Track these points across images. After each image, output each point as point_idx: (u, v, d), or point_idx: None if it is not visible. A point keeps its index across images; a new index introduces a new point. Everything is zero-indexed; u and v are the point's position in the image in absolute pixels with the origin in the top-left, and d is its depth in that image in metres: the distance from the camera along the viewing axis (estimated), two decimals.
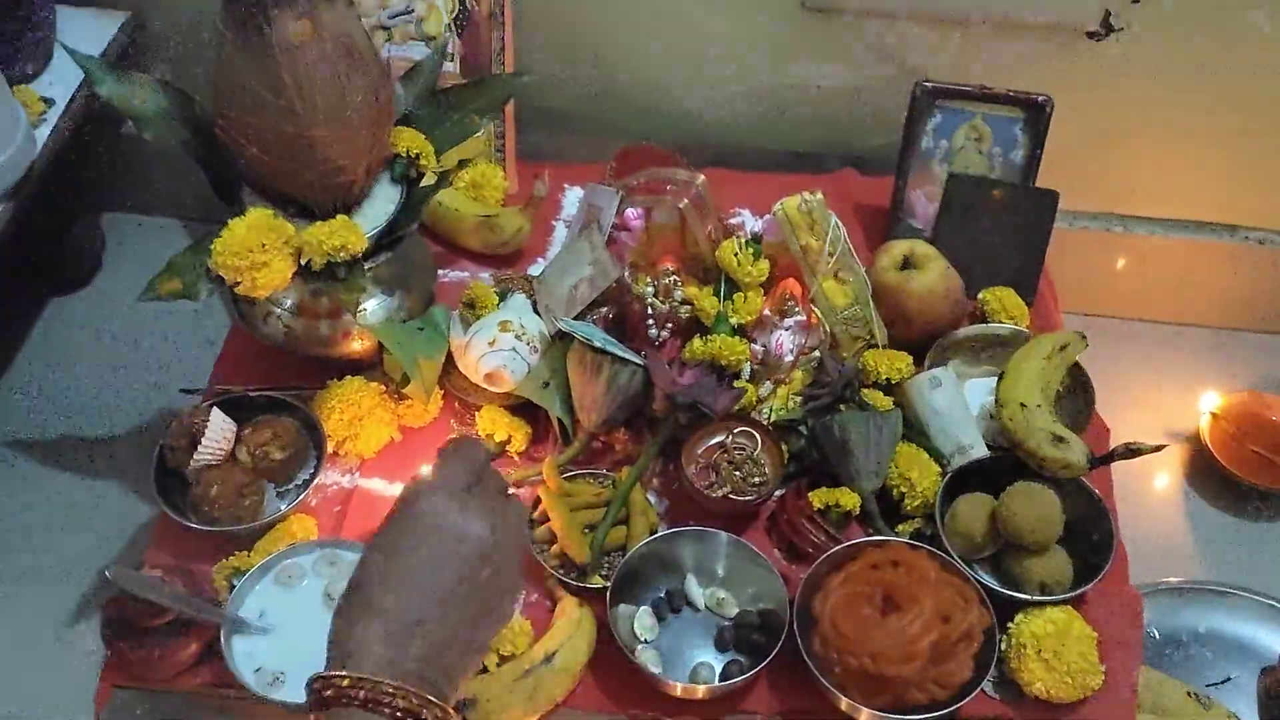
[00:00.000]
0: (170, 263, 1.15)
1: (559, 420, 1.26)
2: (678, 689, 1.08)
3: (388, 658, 0.70)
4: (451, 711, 0.71)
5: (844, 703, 1.06)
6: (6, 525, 1.50)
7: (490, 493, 0.80)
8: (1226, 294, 1.73)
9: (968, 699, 1.05)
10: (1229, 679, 1.38)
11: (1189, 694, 1.31)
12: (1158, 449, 1.16)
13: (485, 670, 1.08)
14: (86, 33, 1.55)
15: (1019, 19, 1.47)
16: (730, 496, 1.20)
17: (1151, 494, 1.60)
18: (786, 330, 1.28)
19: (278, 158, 1.15)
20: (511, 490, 0.85)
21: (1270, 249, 1.67)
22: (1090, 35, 1.48)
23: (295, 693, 1.05)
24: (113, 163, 1.77)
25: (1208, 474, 1.60)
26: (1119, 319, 1.76)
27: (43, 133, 1.47)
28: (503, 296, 1.35)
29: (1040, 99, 1.41)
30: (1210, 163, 1.61)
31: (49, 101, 1.50)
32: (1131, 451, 1.16)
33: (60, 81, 1.53)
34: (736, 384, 1.25)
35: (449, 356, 1.29)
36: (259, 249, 1.13)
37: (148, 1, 1.61)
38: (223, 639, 1.07)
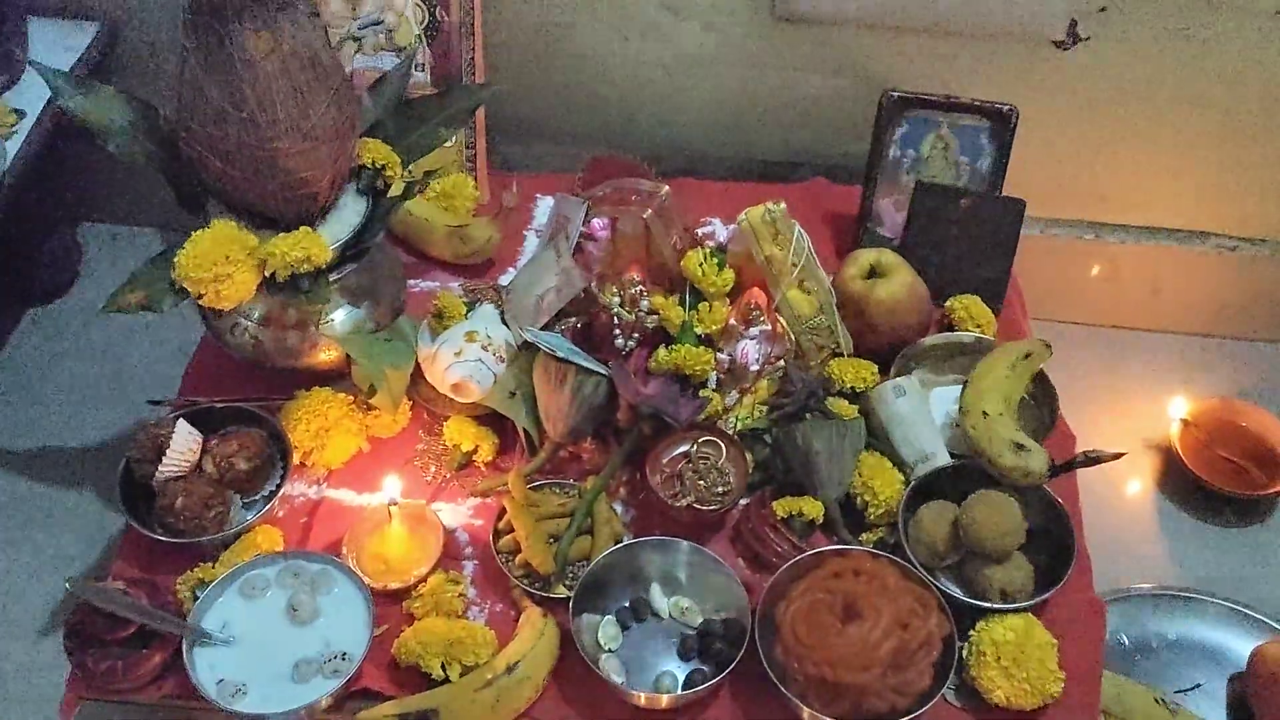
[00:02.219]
0: (134, 274, 1.17)
1: (525, 430, 1.27)
2: (641, 698, 1.09)
3: None
4: None
5: (806, 712, 1.07)
6: None
7: None
8: (1198, 301, 1.75)
9: (927, 706, 1.06)
10: (1198, 685, 1.40)
11: (1156, 700, 1.34)
12: (1117, 457, 1.16)
13: (447, 680, 1.09)
14: (58, 44, 1.57)
15: (987, 29, 1.49)
16: (695, 506, 1.21)
17: (1122, 500, 1.61)
18: (752, 340, 1.29)
19: (241, 170, 1.16)
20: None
21: (1241, 255, 1.69)
22: (1057, 44, 1.50)
23: (257, 704, 1.06)
24: (89, 173, 1.79)
25: (1178, 480, 1.62)
26: (1091, 326, 1.78)
27: (13, 145, 1.48)
28: (471, 306, 1.36)
29: (1005, 108, 1.42)
30: (1180, 170, 1.63)
31: (20, 113, 1.51)
32: (1091, 459, 1.17)
33: (32, 93, 1.54)
34: (702, 393, 1.26)
35: (417, 367, 1.30)
36: (223, 261, 1.14)
37: (119, 13, 1.62)
38: (185, 651, 1.07)
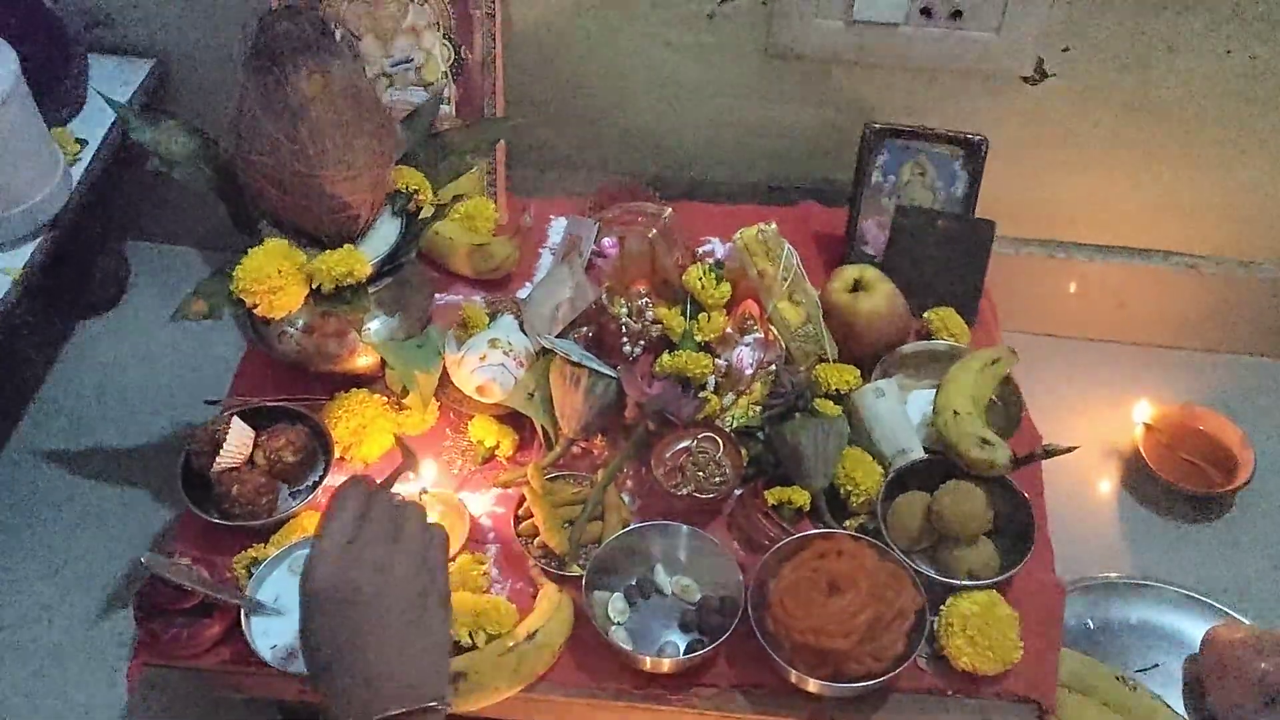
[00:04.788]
0: (197, 287, 1.29)
1: (542, 427, 1.37)
2: (647, 663, 1.20)
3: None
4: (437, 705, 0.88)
5: (793, 675, 1.18)
6: (42, 527, 1.63)
7: (379, 523, 0.93)
8: (1160, 315, 1.84)
9: (900, 669, 1.18)
10: (1156, 665, 1.49)
11: (1117, 677, 1.42)
12: (1070, 450, 1.28)
13: (474, 647, 1.21)
14: (116, 79, 1.69)
15: (961, 66, 1.59)
16: (695, 495, 1.31)
17: (1090, 498, 1.70)
18: (746, 346, 1.40)
19: (292, 195, 1.28)
20: (403, 498, 0.98)
21: (1199, 273, 1.78)
22: (1025, 80, 1.61)
23: None
24: (137, 197, 1.91)
25: (1141, 479, 1.70)
26: (1062, 338, 1.87)
27: (77, 171, 1.60)
28: (493, 317, 1.46)
29: (976, 138, 1.54)
30: (1142, 194, 1.72)
31: (83, 142, 1.63)
32: (1048, 453, 1.28)
33: (92, 123, 1.65)
34: (701, 394, 1.36)
35: (444, 371, 1.40)
36: (276, 275, 1.25)
37: (170, 51, 1.74)
38: (243, 619, 1.20)
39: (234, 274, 1.27)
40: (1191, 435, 1.72)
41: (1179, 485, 1.66)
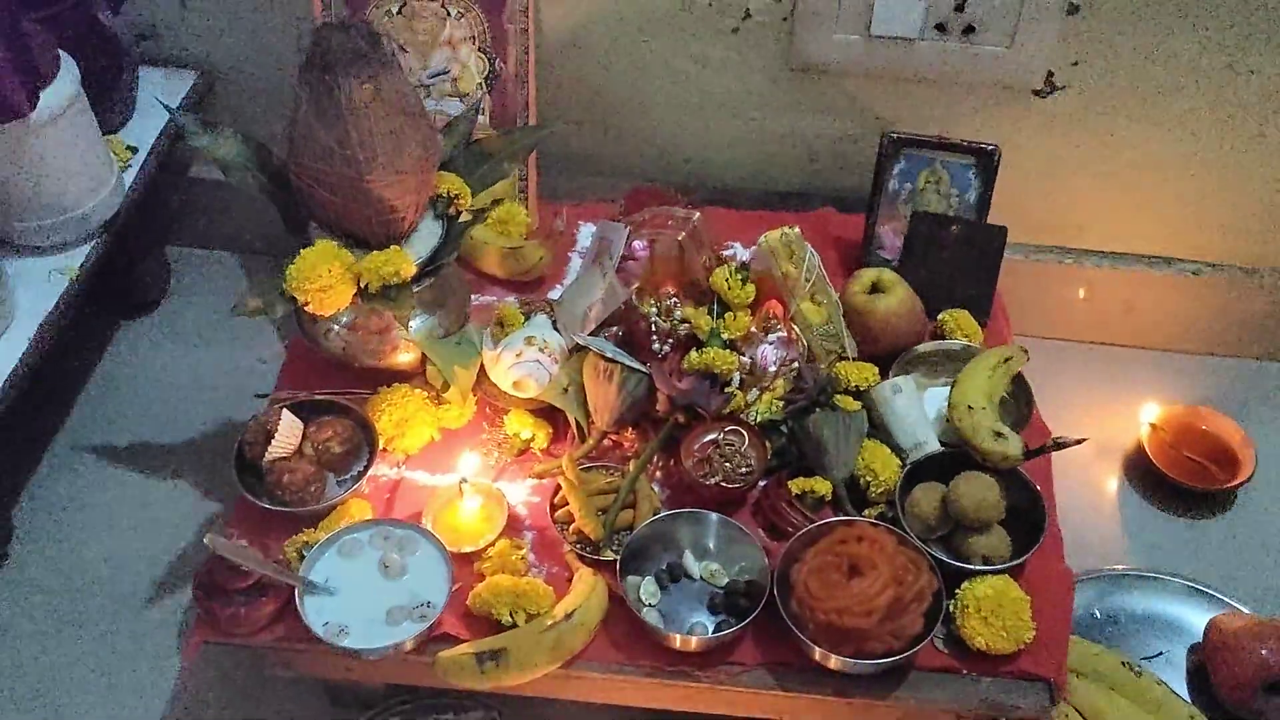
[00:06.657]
0: (252, 286, 1.36)
1: (576, 420, 1.43)
2: (676, 640, 1.26)
3: None
4: None
5: (816, 653, 1.25)
6: (90, 516, 1.69)
7: None
8: (1166, 319, 1.89)
9: (918, 648, 1.24)
10: (1161, 653, 1.55)
11: (1123, 663, 1.48)
12: (1079, 442, 1.34)
13: (515, 626, 1.27)
14: (164, 89, 1.76)
15: (975, 79, 1.66)
16: (722, 485, 1.37)
17: (1098, 494, 1.76)
18: (770, 344, 1.46)
19: (342, 199, 1.34)
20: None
21: (1203, 279, 1.84)
22: (1036, 93, 1.68)
23: (358, 641, 1.24)
24: (179, 202, 1.98)
25: (1147, 477, 1.76)
26: (1072, 341, 1.93)
27: (128, 177, 1.67)
28: (527, 316, 1.53)
29: (989, 147, 1.60)
30: (1148, 203, 1.78)
31: (133, 149, 1.70)
32: (1058, 445, 1.35)
33: (143, 131, 1.73)
34: (727, 390, 1.42)
35: (482, 367, 1.46)
36: (326, 274, 1.32)
37: (215, 62, 1.82)
38: (297, 598, 1.26)
39: (286, 273, 1.33)
40: (1195, 434, 1.77)
41: (1183, 482, 1.72)
